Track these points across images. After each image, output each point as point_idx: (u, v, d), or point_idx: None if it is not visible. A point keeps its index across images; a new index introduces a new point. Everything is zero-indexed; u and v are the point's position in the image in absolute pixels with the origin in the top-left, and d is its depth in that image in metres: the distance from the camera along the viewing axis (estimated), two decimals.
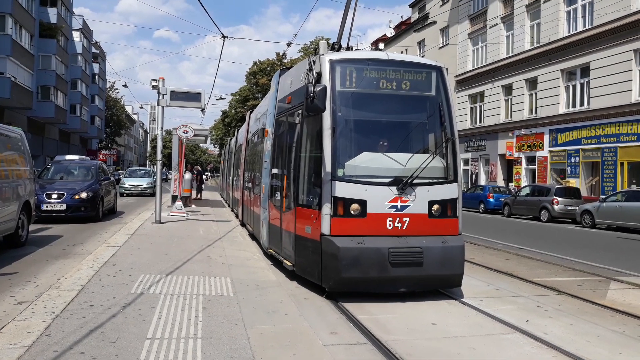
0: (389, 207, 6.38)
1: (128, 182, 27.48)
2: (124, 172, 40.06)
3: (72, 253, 9.08)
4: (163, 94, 12.72)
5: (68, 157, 17.08)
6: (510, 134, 28.80)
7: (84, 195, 13.58)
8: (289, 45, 20.82)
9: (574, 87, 24.96)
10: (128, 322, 4.74)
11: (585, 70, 24.12)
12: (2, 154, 8.86)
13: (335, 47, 7.46)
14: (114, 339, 4.25)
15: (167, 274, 6.86)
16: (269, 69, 52.35)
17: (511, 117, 29.33)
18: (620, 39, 21.94)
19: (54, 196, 13.30)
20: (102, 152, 65.11)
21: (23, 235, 9.63)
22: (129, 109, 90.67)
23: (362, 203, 6.31)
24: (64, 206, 13.24)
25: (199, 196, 24.54)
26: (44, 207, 13.01)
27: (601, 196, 20.51)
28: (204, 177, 42.09)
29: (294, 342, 4.44)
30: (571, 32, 24.99)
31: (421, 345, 4.85)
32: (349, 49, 7.69)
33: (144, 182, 27.21)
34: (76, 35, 50.39)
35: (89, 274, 6.56)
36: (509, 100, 29.70)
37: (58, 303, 5.19)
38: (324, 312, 5.90)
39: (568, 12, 25.43)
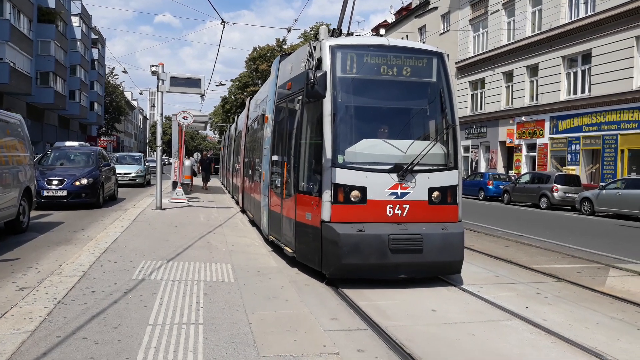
0: (389, 194, 6.39)
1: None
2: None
3: (74, 239, 9.10)
4: (162, 80, 12.64)
5: (68, 143, 17.09)
6: (510, 121, 28.72)
7: (84, 181, 13.57)
8: (289, 30, 20.61)
9: (575, 74, 24.84)
10: (130, 308, 4.76)
11: (586, 57, 23.97)
12: (1, 140, 8.84)
13: (335, 32, 7.41)
14: (116, 325, 4.28)
15: (168, 260, 6.88)
16: (269, 55, 52.08)
17: (512, 104, 29.24)
18: (622, 25, 21.78)
19: (55, 182, 13.29)
20: (102, 138, 64.95)
21: (24, 221, 9.64)
22: (128, 95, 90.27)
23: (363, 190, 6.32)
24: (64, 192, 13.23)
25: (204, 184, 22.84)
26: (45, 193, 13.00)
27: (601, 184, 20.51)
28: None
29: (294, 327, 4.47)
30: (573, 19, 24.81)
31: (421, 331, 4.88)
32: (349, 34, 7.64)
33: (132, 170, 23.98)
34: (75, 21, 49.99)
35: (91, 260, 6.58)
36: (510, 87, 29.58)
37: (60, 289, 5.22)
38: (325, 298, 5.94)
39: None
